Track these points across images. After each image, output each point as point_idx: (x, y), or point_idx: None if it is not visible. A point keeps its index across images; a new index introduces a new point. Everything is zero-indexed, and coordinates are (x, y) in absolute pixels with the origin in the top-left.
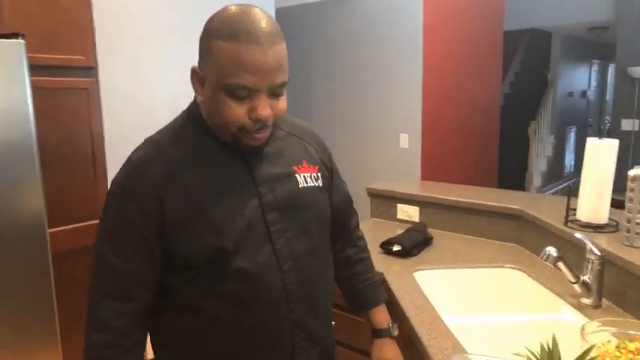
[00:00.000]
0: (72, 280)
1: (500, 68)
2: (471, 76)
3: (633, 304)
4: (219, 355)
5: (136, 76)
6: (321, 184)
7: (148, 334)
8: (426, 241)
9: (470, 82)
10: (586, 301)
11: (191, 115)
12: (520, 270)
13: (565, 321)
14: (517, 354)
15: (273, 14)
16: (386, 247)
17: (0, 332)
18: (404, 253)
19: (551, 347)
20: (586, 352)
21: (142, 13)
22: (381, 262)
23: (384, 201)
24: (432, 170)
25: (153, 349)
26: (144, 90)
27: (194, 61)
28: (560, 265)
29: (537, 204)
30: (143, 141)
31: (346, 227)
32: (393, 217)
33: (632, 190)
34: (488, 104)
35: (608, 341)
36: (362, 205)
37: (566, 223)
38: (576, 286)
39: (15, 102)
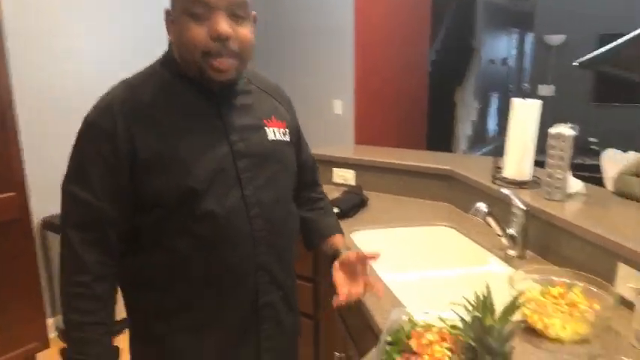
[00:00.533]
0: None
1: (428, 36)
2: (401, 45)
3: (554, 254)
4: (187, 295)
5: (47, 27)
6: (288, 139)
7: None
8: (362, 203)
9: (400, 50)
10: (512, 252)
11: (166, 60)
12: (452, 227)
13: (494, 272)
14: (454, 303)
15: None
16: None
17: None
18: (341, 215)
19: (485, 295)
20: (515, 299)
21: None
22: None
23: (320, 165)
24: (365, 135)
25: (124, 293)
26: (59, 44)
27: (114, 8)
28: (489, 219)
29: (466, 164)
30: (117, 83)
31: (313, 181)
32: (329, 181)
33: (552, 147)
34: (416, 72)
35: (533, 288)
36: None
37: (493, 181)
38: (503, 239)
39: None
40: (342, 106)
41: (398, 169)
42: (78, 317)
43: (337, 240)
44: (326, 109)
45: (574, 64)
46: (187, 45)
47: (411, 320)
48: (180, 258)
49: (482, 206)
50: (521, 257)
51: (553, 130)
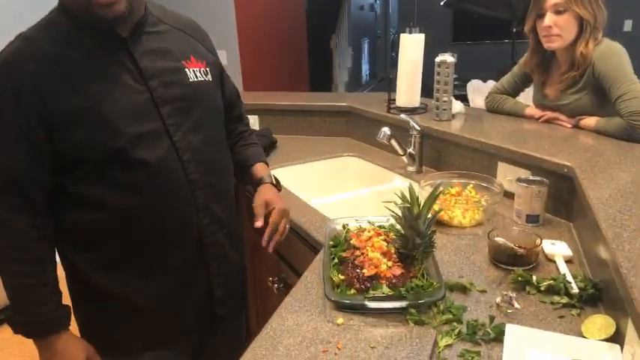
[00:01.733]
0: None
1: None
2: None
3: (445, 164)
4: (129, 249)
5: None
6: (210, 79)
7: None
8: (272, 145)
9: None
10: (411, 169)
11: (62, 6)
12: (356, 156)
13: (399, 187)
14: (386, 201)
15: None
16: None
17: None
18: None
19: (410, 191)
20: (435, 190)
21: None
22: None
23: None
24: (252, 84)
25: (60, 251)
26: None
27: None
28: (393, 141)
29: (362, 100)
30: (14, 38)
31: (239, 115)
32: None
33: (438, 74)
34: (295, 20)
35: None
36: None
37: (388, 110)
38: (404, 158)
39: None
40: (227, 57)
41: (299, 110)
42: (20, 281)
43: (257, 170)
44: None
45: (441, 4)
46: None
47: (344, 227)
48: (116, 211)
49: (387, 130)
50: (419, 172)
51: (438, 58)
